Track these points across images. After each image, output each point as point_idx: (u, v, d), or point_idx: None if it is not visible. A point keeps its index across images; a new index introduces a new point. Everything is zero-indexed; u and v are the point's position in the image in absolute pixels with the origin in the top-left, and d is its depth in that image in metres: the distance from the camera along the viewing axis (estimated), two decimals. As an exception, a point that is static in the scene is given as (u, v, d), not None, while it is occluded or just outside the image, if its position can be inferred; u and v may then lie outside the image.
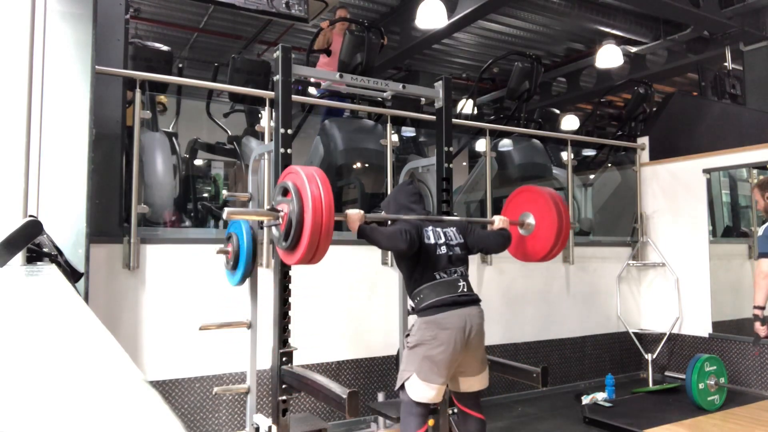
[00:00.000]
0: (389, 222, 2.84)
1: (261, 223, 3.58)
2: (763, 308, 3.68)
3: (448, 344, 2.54)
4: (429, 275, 2.65)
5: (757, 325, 3.75)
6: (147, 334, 3.44)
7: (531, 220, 3.15)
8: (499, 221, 3.01)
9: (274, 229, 2.46)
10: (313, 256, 2.32)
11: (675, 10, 6.85)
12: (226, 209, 2.35)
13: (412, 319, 2.80)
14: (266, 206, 3.59)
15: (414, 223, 2.69)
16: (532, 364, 3.09)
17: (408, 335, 2.69)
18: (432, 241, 2.69)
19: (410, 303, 2.79)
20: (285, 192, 2.40)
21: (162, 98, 4.74)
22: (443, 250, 2.69)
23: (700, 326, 5.09)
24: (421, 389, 2.57)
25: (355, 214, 2.60)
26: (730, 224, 6.42)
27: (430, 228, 2.73)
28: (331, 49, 5.31)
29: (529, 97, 5.77)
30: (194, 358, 3.54)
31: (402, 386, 2.66)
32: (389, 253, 4.19)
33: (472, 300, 2.68)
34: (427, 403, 2.63)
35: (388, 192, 4.27)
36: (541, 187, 3.24)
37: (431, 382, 2.56)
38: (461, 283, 2.67)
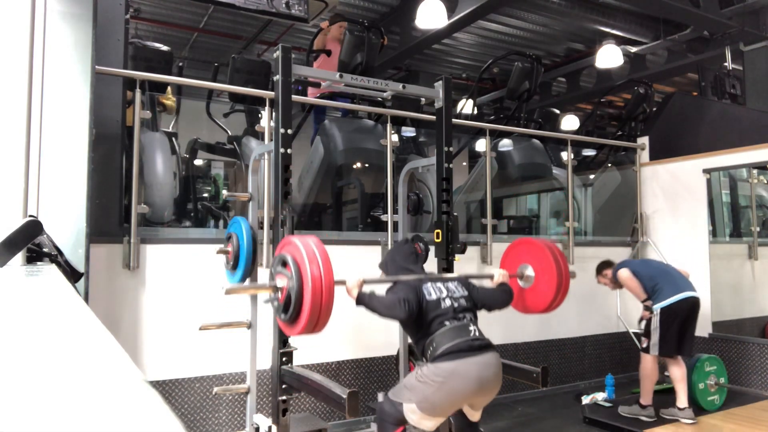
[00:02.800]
0: (388, 287, 2.82)
1: (261, 223, 3.59)
2: None
3: (458, 394, 2.47)
4: (437, 325, 2.57)
5: None
6: (147, 334, 3.44)
7: (530, 271, 3.14)
8: (498, 275, 2.97)
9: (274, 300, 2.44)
10: (313, 329, 2.30)
11: (675, 10, 6.85)
12: (225, 287, 2.32)
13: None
14: (266, 208, 3.60)
15: (412, 285, 2.65)
16: (532, 364, 3.09)
17: (421, 367, 2.58)
18: (434, 296, 2.63)
19: (422, 360, 2.67)
20: (284, 264, 2.35)
21: (166, 99, 4.73)
22: (447, 302, 2.63)
23: (700, 326, 5.06)
24: (419, 418, 2.51)
25: (353, 282, 2.56)
26: (730, 224, 6.42)
27: (430, 284, 2.69)
28: (328, 49, 5.31)
29: (529, 97, 5.77)
30: (194, 358, 3.54)
31: (397, 402, 2.57)
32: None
33: (487, 345, 2.59)
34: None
35: (388, 192, 4.28)
36: (538, 239, 3.22)
37: (431, 416, 2.50)
38: (472, 328, 2.60)
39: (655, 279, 4.02)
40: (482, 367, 2.49)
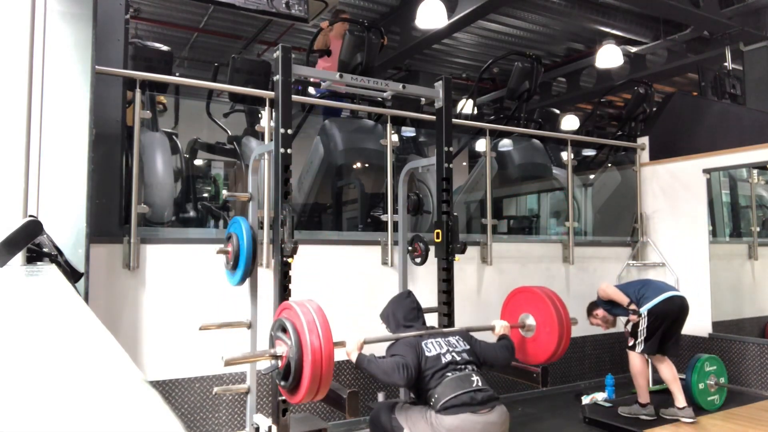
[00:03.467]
0: (387, 350, 2.83)
1: (261, 223, 3.59)
2: None
3: None
4: (438, 378, 2.55)
5: None
6: (147, 334, 3.44)
7: (531, 321, 3.14)
8: (500, 327, 2.97)
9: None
10: (314, 396, 2.29)
11: (675, 10, 6.86)
12: (225, 357, 2.27)
13: None
14: (266, 208, 3.59)
15: (412, 343, 2.65)
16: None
17: (429, 410, 2.56)
18: (434, 352, 2.63)
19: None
20: (284, 329, 2.33)
21: (161, 98, 4.74)
22: (448, 357, 2.63)
23: (700, 326, 5.08)
24: None
25: (353, 345, 2.56)
26: (730, 224, 6.42)
27: (430, 341, 2.69)
28: (329, 48, 5.31)
29: (529, 97, 5.76)
30: (194, 358, 3.53)
31: (398, 425, 2.58)
32: (389, 252, 4.19)
33: (491, 397, 2.55)
34: None
35: (388, 192, 4.28)
36: (538, 288, 3.22)
37: None
38: (475, 378, 2.58)
39: (639, 289, 4.10)
40: (487, 427, 2.46)
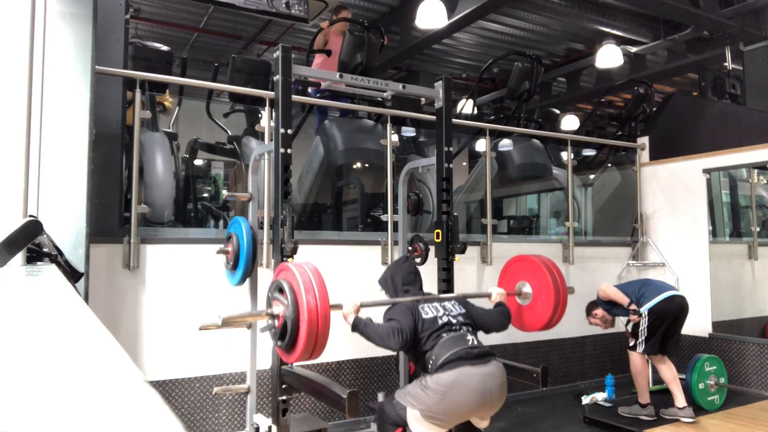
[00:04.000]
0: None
1: (261, 223, 3.59)
2: None
3: (462, 406, 2.44)
4: (434, 339, 2.56)
5: None
6: (147, 334, 3.44)
7: (528, 289, 3.14)
8: (496, 294, 2.97)
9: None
10: (310, 356, 2.30)
11: (675, 10, 6.86)
12: (222, 316, 2.29)
13: None
14: (266, 208, 3.60)
15: (409, 307, 2.66)
16: (532, 364, 3.10)
17: (425, 377, 2.57)
18: (431, 315, 2.64)
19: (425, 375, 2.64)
20: (281, 290, 2.34)
21: (165, 99, 4.73)
22: (444, 319, 2.64)
23: (700, 326, 5.08)
24: (423, 426, 2.50)
25: (350, 308, 2.56)
26: (730, 224, 6.42)
27: (426, 305, 2.70)
28: (328, 48, 5.31)
29: (529, 97, 5.77)
30: (194, 358, 3.53)
31: (401, 407, 2.57)
32: (389, 252, 4.19)
33: (487, 353, 2.56)
34: None
35: (389, 192, 4.28)
36: (536, 256, 3.21)
37: (434, 425, 2.49)
38: (470, 337, 2.59)
39: (639, 289, 4.10)
40: (485, 378, 2.46)
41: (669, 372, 4.03)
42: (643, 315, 3.96)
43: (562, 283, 3.03)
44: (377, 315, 2.72)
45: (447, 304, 2.75)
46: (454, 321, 2.64)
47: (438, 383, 2.44)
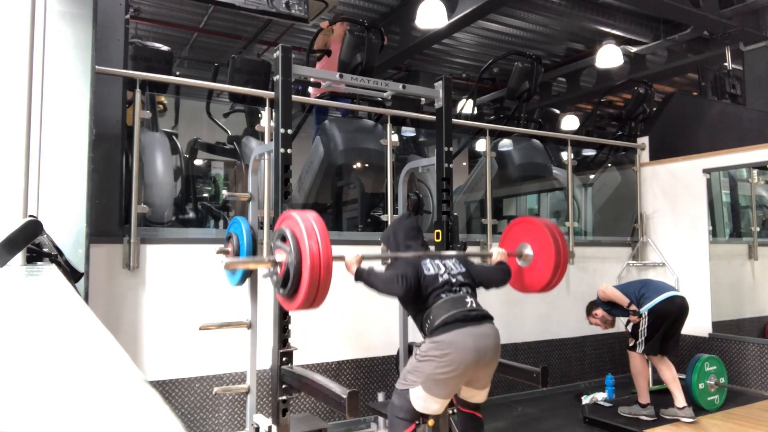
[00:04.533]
0: (387, 262, 2.84)
1: (261, 223, 3.59)
2: None
3: (458, 365, 2.46)
4: (434, 298, 2.59)
5: None
6: (147, 334, 3.45)
7: (529, 250, 3.13)
8: (497, 254, 2.98)
9: (273, 275, 2.44)
10: (311, 304, 2.31)
11: (675, 10, 6.85)
12: (225, 259, 2.33)
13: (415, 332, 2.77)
14: (266, 208, 3.60)
15: (411, 261, 2.67)
16: (532, 364, 3.09)
17: (418, 346, 2.62)
18: (432, 271, 2.65)
19: (422, 334, 2.69)
20: (283, 238, 2.35)
21: (162, 98, 4.74)
22: (445, 277, 2.65)
23: (700, 326, 5.08)
24: (425, 401, 2.52)
25: (352, 258, 2.57)
26: (730, 224, 6.42)
27: (429, 261, 2.70)
28: (328, 49, 5.31)
29: (529, 97, 5.77)
30: (194, 358, 3.54)
31: (403, 390, 2.60)
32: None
33: (484, 316, 2.60)
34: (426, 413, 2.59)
35: (389, 192, 4.28)
36: (538, 218, 3.21)
37: (437, 396, 2.51)
38: (469, 300, 2.61)
39: (639, 290, 4.11)
40: (479, 337, 2.50)
41: (669, 372, 4.03)
42: (644, 315, 3.96)
43: (563, 245, 3.02)
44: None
45: (448, 262, 2.76)
46: (454, 280, 2.65)
47: (435, 346, 2.48)
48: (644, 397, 4.08)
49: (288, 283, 2.28)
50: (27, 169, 1.74)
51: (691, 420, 3.92)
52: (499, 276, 2.88)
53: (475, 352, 2.47)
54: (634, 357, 4.05)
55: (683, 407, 3.96)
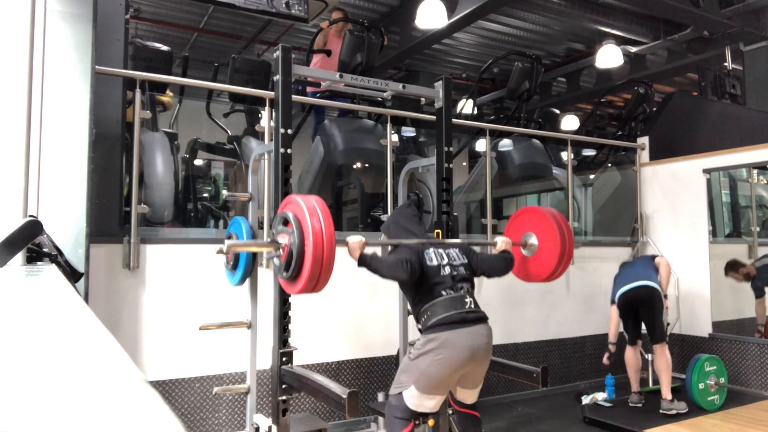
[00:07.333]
0: (390, 248, 2.82)
1: (261, 223, 3.59)
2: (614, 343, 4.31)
3: (451, 362, 2.49)
4: (434, 294, 2.59)
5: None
6: (147, 334, 3.44)
7: (534, 240, 3.12)
8: (501, 243, 2.96)
9: (275, 258, 2.44)
10: (314, 287, 2.30)
11: (675, 10, 6.85)
12: (227, 241, 2.32)
13: (413, 326, 2.77)
14: (266, 208, 3.60)
15: (414, 248, 2.66)
16: (532, 364, 3.09)
17: (413, 345, 2.64)
18: (435, 262, 2.65)
19: (417, 326, 2.72)
20: (285, 222, 2.35)
21: (164, 98, 4.73)
22: (447, 270, 2.65)
23: (700, 326, 5.08)
24: (419, 399, 2.54)
25: (355, 242, 2.55)
26: (730, 224, 6.42)
27: (432, 250, 2.69)
28: (328, 48, 5.31)
29: (529, 97, 5.77)
30: (194, 358, 3.54)
31: (398, 393, 2.60)
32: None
33: (480, 318, 2.62)
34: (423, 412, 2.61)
35: (389, 192, 4.28)
36: (544, 207, 3.21)
37: (430, 394, 2.53)
38: (468, 300, 2.62)
39: (617, 281, 4.37)
40: (473, 336, 2.54)
41: (659, 360, 4.16)
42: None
43: (568, 234, 3.02)
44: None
45: (451, 251, 2.75)
46: (455, 273, 2.66)
47: (429, 342, 2.50)
48: (634, 386, 4.33)
49: (291, 265, 2.28)
50: (27, 169, 1.74)
51: (678, 411, 4.04)
52: (501, 265, 2.88)
53: (469, 349, 2.50)
54: (627, 349, 4.30)
55: (671, 399, 4.07)
